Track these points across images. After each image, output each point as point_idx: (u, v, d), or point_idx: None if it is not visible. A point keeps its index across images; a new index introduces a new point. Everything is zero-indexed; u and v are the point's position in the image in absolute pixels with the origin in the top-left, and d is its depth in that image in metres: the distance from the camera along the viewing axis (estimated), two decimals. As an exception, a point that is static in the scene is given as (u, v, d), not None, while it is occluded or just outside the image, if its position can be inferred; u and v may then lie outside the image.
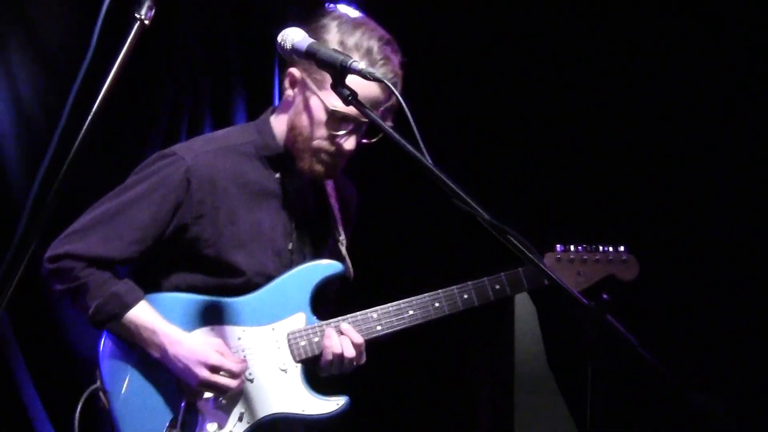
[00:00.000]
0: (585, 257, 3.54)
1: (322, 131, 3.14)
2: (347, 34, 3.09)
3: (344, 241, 3.46)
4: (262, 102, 4.96)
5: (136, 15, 2.14)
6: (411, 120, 2.57)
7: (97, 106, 2.02)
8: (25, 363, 4.53)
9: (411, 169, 2.34)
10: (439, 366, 5.44)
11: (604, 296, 2.18)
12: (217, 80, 5.10)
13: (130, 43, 2.11)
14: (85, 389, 3.20)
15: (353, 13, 3.18)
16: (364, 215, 3.59)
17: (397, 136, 2.53)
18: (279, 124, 3.29)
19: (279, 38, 2.75)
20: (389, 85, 2.65)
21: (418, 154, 2.46)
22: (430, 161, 2.45)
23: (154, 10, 2.16)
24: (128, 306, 3.14)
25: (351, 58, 2.60)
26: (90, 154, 4.44)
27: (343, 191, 3.54)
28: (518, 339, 5.59)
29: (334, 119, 3.12)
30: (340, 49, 2.86)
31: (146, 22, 2.15)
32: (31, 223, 1.92)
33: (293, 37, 2.73)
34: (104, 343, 3.23)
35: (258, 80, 5.13)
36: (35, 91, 4.58)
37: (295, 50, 2.70)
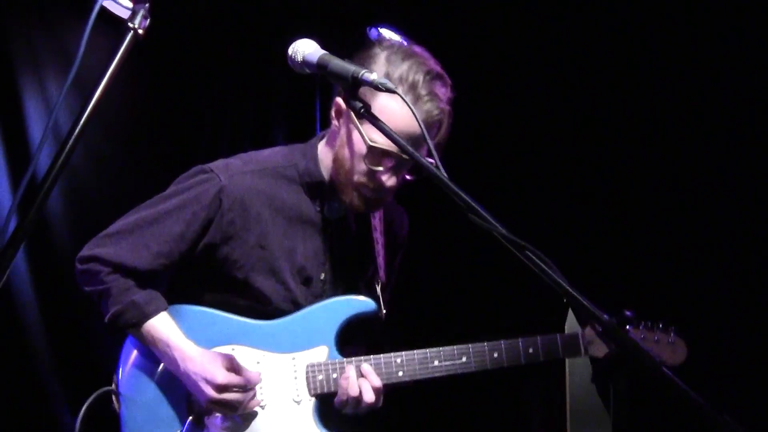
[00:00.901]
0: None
1: (362, 166, 3.04)
2: (394, 65, 2.96)
3: (381, 279, 3.37)
4: (302, 123, 4.96)
5: (129, 24, 2.09)
6: (425, 133, 2.50)
7: (87, 115, 1.97)
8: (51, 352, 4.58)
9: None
10: (492, 396, 5.31)
11: (627, 313, 2.06)
12: (259, 101, 5.11)
13: (123, 52, 2.06)
14: (101, 387, 3.20)
15: (403, 43, 3.08)
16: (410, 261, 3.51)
17: (410, 149, 2.47)
18: (325, 152, 3.21)
19: (290, 50, 2.64)
20: (404, 99, 2.55)
21: (434, 169, 2.39)
22: (446, 175, 2.38)
23: (148, 21, 2.11)
24: (147, 316, 3.13)
25: (363, 69, 2.51)
26: (135, 165, 4.59)
27: (391, 220, 3.45)
28: (570, 368, 5.45)
29: (374, 154, 3.00)
30: (385, 81, 2.68)
31: (140, 31, 2.11)
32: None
33: (304, 49, 2.63)
34: (127, 346, 3.26)
35: (299, 102, 5.11)
36: (72, 117, 4.58)
37: (306, 63, 2.60)
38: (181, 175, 3.24)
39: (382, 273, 3.39)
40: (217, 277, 3.20)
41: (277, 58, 4.93)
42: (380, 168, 3.02)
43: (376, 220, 3.38)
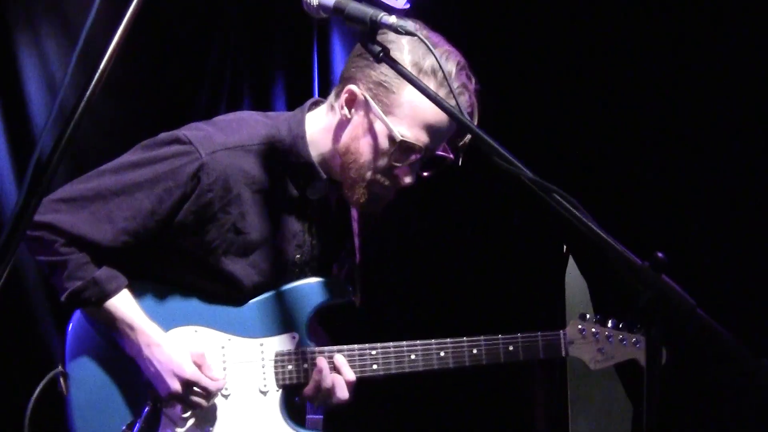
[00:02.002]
0: (609, 335, 3.33)
1: (383, 161, 2.89)
2: (420, 55, 2.80)
3: (357, 262, 3.24)
4: (301, 90, 4.93)
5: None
6: (448, 80, 2.45)
7: (98, 77, 1.88)
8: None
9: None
10: (494, 386, 5.22)
11: (659, 255, 2.01)
12: (257, 53, 5.03)
13: (132, 12, 1.96)
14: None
15: (419, 28, 2.82)
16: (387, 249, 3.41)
17: (437, 95, 2.39)
18: (321, 138, 3.01)
19: None
20: (424, 40, 2.45)
21: (457, 113, 2.33)
22: (469, 120, 2.33)
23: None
24: (108, 294, 2.92)
25: (381, 12, 2.39)
26: (128, 123, 4.52)
27: None
28: (569, 314, 5.43)
29: (401, 150, 2.86)
30: (413, 71, 2.67)
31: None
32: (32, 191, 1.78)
33: None
34: (75, 323, 3.02)
35: (298, 55, 5.03)
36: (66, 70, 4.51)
37: (322, 6, 2.48)
38: (150, 139, 2.98)
39: (358, 254, 3.25)
40: (184, 257, 3.00)
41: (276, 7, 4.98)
42: (401, 164, 2.90)
43: None
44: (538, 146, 4.78)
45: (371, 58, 2.70)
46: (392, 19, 2.39)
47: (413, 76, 2.46)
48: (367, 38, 2.42)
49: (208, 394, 2.96)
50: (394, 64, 2.43)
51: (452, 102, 2.59)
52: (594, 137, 4.83)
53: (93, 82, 1.86)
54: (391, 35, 2.71)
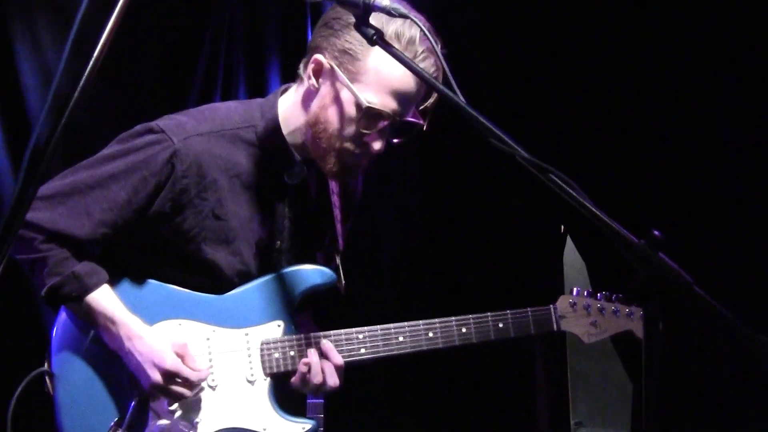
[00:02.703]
0: (602, 307, 3.29)
1: (351, 129, 2.86)
2: (387, 21, 2.71)
3: (340, 248, 3.20)
4: (295, 61, 4.87)
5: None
6: (442, 60, 2.44)
7: (92, 64, 1.87)
8: None
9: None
10: (493, 368, 5.25)
11: (656, 233, 2.01)
12: (252, 49, 5.04)
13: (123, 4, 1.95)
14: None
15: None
16: (368, 230, 3.36)
17: (429, 77, 2.39)
18: (292, 114, 2.99)
19: None
20: (419, 24, 2.45)
21: (451, 94, 2.31)
22: (463, 100, 2.31)
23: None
24: (89, 289, 2.90)
25: None
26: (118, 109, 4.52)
27: (348, 183, 3.27)
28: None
29: (368, 116, 2.84)
30: (398, 6, 2.62)
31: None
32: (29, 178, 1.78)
33: None
34: (60, 321, 3.00)
35: (292, 40, 5.03)
36: (58, 45, 4.51)
37: None
38: (124, 133, 2.98)
39: (341, 241, 3.22)
40: (164, 248, 2.98)
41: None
42: (370, 131, 2.87)
43: (334, 183, 3.20)
44: (533, 127, 4.78)
45: (336, 27, 2.78)
46: (385, 2, 2.37)
47: (408, 59, 2.46)
48: (360, 21, 2.41)
49: (191, 385, 2.94)
50: (388, 47, 2.42)
51: (419, 63, 2.67)
52: (588, 117, 4.83)
53: (88, 70, 1.85)
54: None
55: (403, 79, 2.80)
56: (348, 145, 2.89)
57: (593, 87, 4.80)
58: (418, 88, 2.87)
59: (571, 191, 2.13)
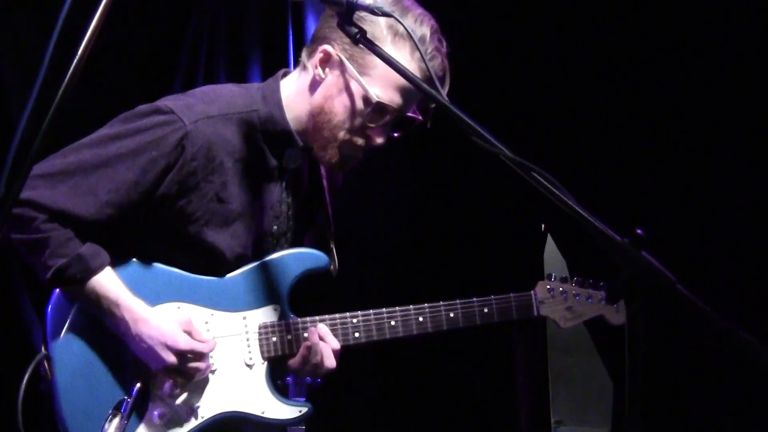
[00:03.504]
0: (577, 294, 3.37)
1: (357, 121, 2.88)
2: (400, 17, 2.69)
3: (332, 231, 3.23)
4: (276, 56, 4.93)
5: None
6: (425, 61, 2.45)
7: (77, 61, 1.86)
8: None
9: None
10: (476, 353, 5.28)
11: (639, 231, 2.02)
12: (233, 48, 5.01)
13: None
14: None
15: None
16: (362, 216, 3.39)
17: (414, 77, 2.42)
18: (294, 101, 2.99)
19: None
20: (399, 20, 2.49)
21: (434, 92, 2.34)
22: (446, 99, 2.33)
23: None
24: (93, 271, 2.84)
25: None
26: (100, 98, 4.50)
27: None
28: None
29: (375, 110, 2.86)
30: (389, 35, 2.70)
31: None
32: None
33: None
34: (55, 304, 2.94)
35: (273, 34, 5.02)
36: (40, 42, 4.47)
37: None
38: (128, 112, 2.92)
39: (332, 224, 3.25)
40: (164, 230, 2.95)
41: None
42: (375, 125, 2.90)
43: (323, 168, 3.21)
44: (517, 125, 4.79)
45: None
46: (368, 0, 2.39)
47: (391, 58, 2.48)
48: (343, 19, 2.42)
49: (204, 358, 2.94)
50: (372, 46, 2.44)
51: (425, 65, 2.69)
52: (570, 115, 4.84)
53: (72, 67, 1.84)
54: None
55: (396, 76, 2.77)
56: (351, 136, 2.91)
57: (575, 85, 4.81)
58: (411, 87, 2.84)
59: (555, 189, 2.14)
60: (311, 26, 4.97)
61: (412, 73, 2.46)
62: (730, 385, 4.42)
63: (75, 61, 1.86)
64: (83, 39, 1.89)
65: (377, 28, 2.74)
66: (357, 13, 2.49)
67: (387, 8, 2.40)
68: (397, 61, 2.49)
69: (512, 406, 5.36)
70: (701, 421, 4.56)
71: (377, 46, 2.47)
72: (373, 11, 2.39)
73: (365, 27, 2.48)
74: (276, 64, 4.92)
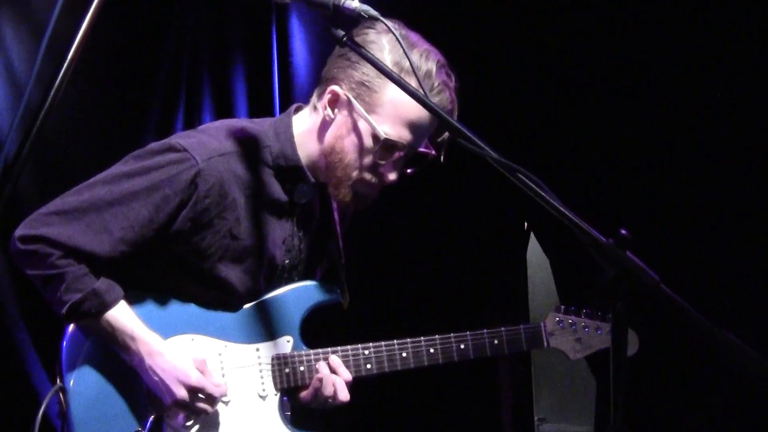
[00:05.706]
0: (586, 326, 3.39)
1: (367, 159, 2.93)
2: (403, 54, 2.77)
3: (342, 263, 3.26)
4: (261, 71, 4.94)
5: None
6: (411, 63, 2.46)
7: (63, 72, 1.87)
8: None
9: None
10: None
11: (623, 232, 2.05)
12: (216, 49, 5.00)
13: (93, 12, 1.94)
14: None
15: (396, 27, 2.75)
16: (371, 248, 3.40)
17: (400, 78, 2.43)
18: (306, 140, 3.03)
19: None
20: (385, 23, 2.47)
21: (419, 93, 2.36)
22: (432, 102, 2.36)
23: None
24: (108, 305, 2.88)
25: None
26: (83, 124, 4.48)
27: None
28: (532, 293, 5.49)
29: (384, 147, 2.90)
30: (395, 70, 2.68)
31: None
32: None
33: None
34: (70, 336, 2.98)
35: (257, 37, 5.02)
36: (29, 65, 4.45)
37: None
38: (141, 150, 2.96)
39: (343, 257, 3.28)
40: (178, 264, 2.98)
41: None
42: (385, 162, 2.94)
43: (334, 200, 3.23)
44: (502, 128, 4.80)
45: (353, 59, 2.83)
46: (355, 4, 2.39)
47: (383, 64, 2.50)
48: (330, 23, 2.42)
49: (213, 401, 2.97)
50: (359, 49, 2.46)
51: (433, 98, 2.71)
52: (554, 116, 4.86)
53: (59, 78, 1.85)
54: (371, 35, 2.83)
55: (418, 111, 2.85)
56: (363, 174, 2.96)
57: (559, 86, 4.82)
58: (431, 121, 2.93)
59: (539, 190, 2.17)
60: (295, 27, 4.98)
61: (405, 81, 2.47)
62: (713, 385, 4.44)
63: (62, 69, 1.86)
64: (71, 47, 1.90)
65: (385, 62, 2.72)
66: (362, 36, 2.69)
67: (373, 12, 2.40)
68: (387, 66, 2.53)
69: (495, 404, 5.38)
70: (684, 421, 4.58)
71: (363, 48, 2.49)
72: (360, 15, 2.39)
73: (357, 48, 2.49)
74: (260, 64, 4.99)
